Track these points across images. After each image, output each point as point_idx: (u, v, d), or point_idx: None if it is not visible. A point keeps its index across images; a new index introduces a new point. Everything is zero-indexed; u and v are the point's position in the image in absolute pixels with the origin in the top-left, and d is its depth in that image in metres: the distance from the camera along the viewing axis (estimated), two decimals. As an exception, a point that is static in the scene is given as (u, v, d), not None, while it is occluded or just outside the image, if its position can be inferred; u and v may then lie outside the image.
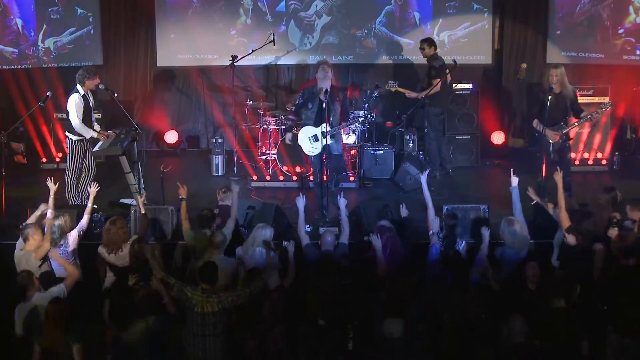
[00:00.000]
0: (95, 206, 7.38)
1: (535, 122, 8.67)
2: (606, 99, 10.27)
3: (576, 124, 8.59)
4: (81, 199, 8.62)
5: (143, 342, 5.58)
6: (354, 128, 9.79)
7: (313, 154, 8.51)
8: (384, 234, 6.72)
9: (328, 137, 8.27)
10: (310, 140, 8.46)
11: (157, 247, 6.95)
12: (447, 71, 9.83)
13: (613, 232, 6.54)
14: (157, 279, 5.91)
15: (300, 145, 8.61)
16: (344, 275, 6.16)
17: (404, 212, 7.30)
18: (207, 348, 5.59)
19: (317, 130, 8.38)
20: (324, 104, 8.15)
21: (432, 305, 5.88)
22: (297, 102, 8.80)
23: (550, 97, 8.31)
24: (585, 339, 5.46)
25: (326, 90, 8.15)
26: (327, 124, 8.20)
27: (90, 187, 7.55)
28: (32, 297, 6.03)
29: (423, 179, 7.35)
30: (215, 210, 7.50)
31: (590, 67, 10.90)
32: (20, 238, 6.74)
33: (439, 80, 9.60)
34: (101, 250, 6.81)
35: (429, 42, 9.90)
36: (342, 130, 8.73)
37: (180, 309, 5.79)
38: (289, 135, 9.22)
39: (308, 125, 8.49)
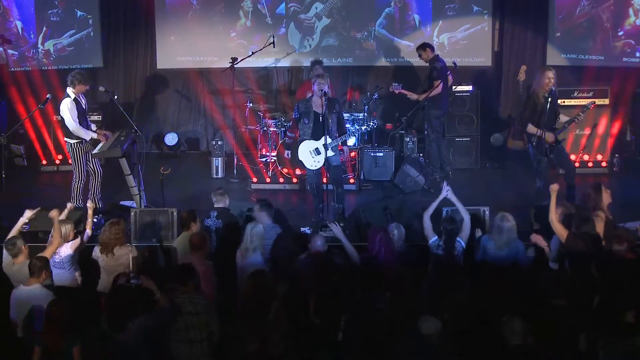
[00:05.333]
0: (96, 220, 7.34)
1: (530, 127, 8.53)
2: (606, 101, 10.29)
3: (566, 125, 8.56)
4: (95, 202, 8.63)
5: (139, 341, 5.56)
6: (354, 131, 9.77)
7: (316, 168, 8.43)
8: (377, 234, 6.70)
9: (330, 149, 8.25)
10: (311, 154, 8.38)
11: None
12: (448, 72, 9.83)
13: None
14: (148, 278, 5.89)
15: (301, 161, 8.52)
16: (337, 272, 6.16)
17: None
18: (195, 356, 5.50)
19: (318, 144, 8.30)
20: (320, 117, 8.15)
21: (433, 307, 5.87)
22: (294, 117, 8.64)
23: (550, 100, 8.30)
24: (582, 332, 5.43)
25: (324, 93, 8.12)
26: (329, 136, 8.20)
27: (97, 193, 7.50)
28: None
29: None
30: (214, 213, 7.46)
31: (590, 69, 10.88)
32: (6, 252, 6.58)
33: (439, 81, 9.60)
34: (95, 250, 6.81)
35: (423, 46, 9.87)
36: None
37: (173, 304, 5.75)
38: (287, 153, 9.15)
39: (306, 140, 8.41)
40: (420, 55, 9.89)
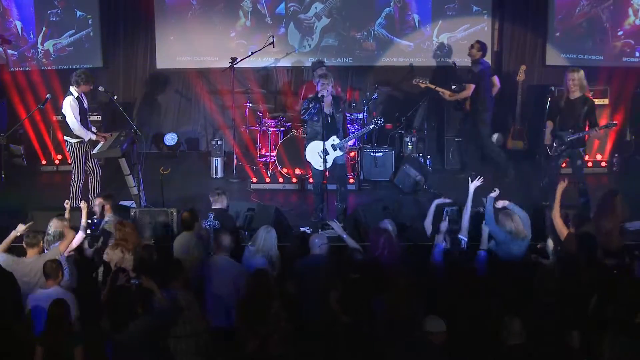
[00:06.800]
0: (90, 221, 7.31)
1: (549, 124, 8.61)
2: (605, 101, 10.29)
3: (581, 134, 8.49)
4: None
5: (139, 341, 5.56)
6: (354, 131, 9.76)
7: (323, 168, 8.38)
8: (380, 236, 6.69)
9: (338, 149, 8.27)
10: (320, 155, 8.36)
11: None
12: (494, 75, 9.90)
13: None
14: (148, 278, 5.89)
15: (309, 162, 8.52)
16: (355, 269, 6.17)
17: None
18: (181, 351, 5.56)
19: (327, 144, 8.30)
20: (328, 118, 8.15)
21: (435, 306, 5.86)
22: (304, 106, 8.46)
23: (563, 101, 8.29)
24: (574, 330, 5.43)
25: (323, 96, 8.11)
26: (337, 136, 8.26)
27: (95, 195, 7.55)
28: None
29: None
30: (211, 214, 7.42)
31: (590, 69, 10.83)
32: (5, 255, 6.50)
33: (472, 85, 9.63)
34: (108, 252, 6.73)
35: (480, 45, 9.82)
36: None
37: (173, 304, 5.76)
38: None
39: (315, 140, 8.37)
40: (471, 48, 9.85)
